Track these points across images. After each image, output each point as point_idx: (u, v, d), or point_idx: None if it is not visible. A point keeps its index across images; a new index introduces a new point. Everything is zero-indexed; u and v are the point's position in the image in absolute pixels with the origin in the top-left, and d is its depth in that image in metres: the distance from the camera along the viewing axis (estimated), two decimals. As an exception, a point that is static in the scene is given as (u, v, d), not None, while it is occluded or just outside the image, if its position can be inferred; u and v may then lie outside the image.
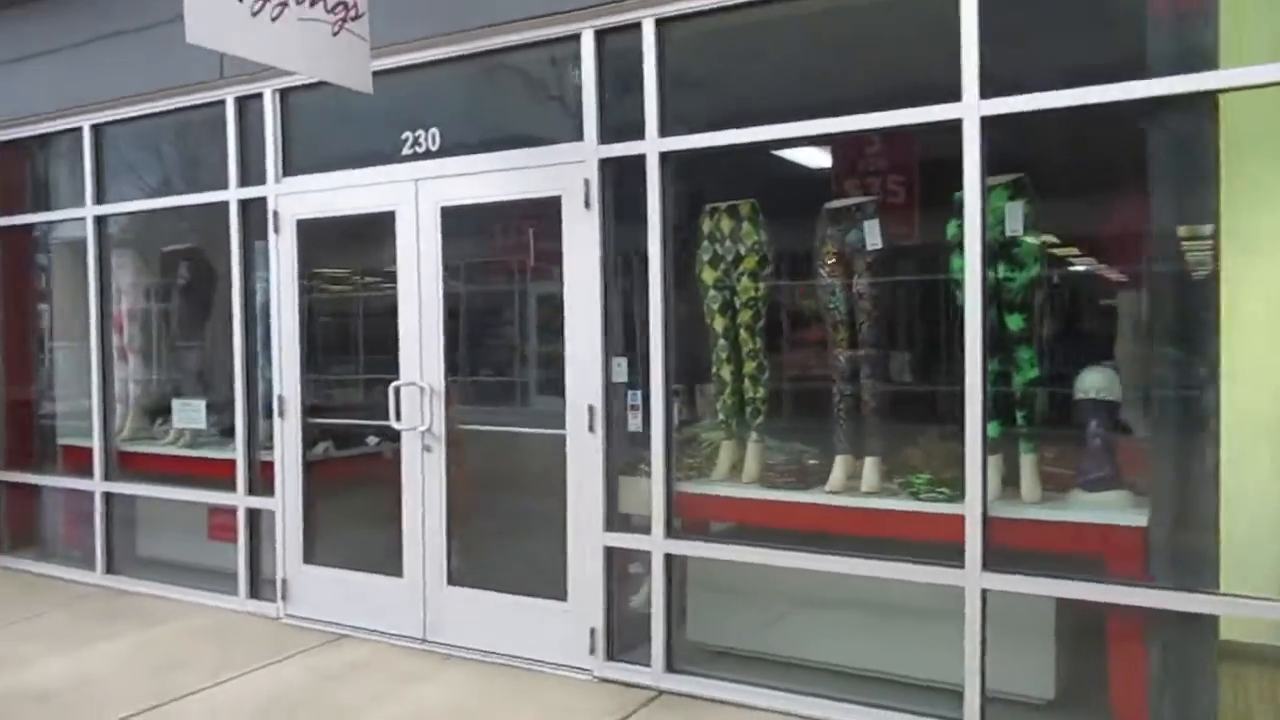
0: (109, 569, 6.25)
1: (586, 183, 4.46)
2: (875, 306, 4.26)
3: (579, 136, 4.50)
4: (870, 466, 4.16)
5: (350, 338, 6.03)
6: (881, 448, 4.22)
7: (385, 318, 5.46)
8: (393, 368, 5.08)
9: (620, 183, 4.49)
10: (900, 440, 4.31)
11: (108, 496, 6.28)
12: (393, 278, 5.07)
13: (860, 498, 4.12)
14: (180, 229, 6.55)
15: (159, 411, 6.64)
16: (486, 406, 5.29)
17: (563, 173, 4.54)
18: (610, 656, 4.49)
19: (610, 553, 4.49)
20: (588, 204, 4.46)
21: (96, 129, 6.15)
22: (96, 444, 6.27)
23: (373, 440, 5.76)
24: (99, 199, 6.22)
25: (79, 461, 6.54)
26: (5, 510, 6.90)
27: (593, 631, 4.48)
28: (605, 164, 4.45)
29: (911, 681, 3.95)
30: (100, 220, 6.23)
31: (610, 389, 4.50)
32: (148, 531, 6.40)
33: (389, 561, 5.07)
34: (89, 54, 5.98)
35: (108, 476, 6.28)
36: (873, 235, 4.23)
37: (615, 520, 4.51)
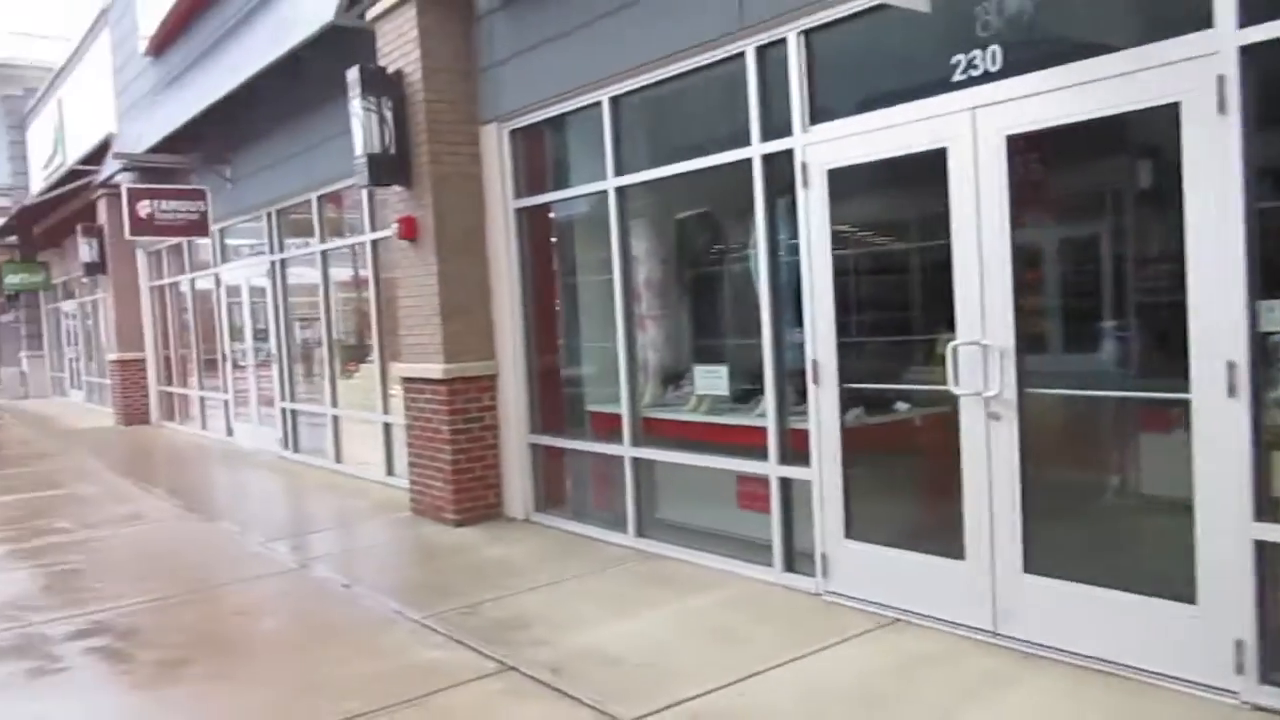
0: (639, 532, 6.40)
1: (1220, 80, 3.51)
2: None
3: (1203, 24, 3.56)
4: None
5: (882, 294, 5.53)
6: None
7: (924, 270, 4.90)
8: (934, 325, 4.50)
9: (1263, 79, 3.49)
10: None
11: (636, 462, 6.43)
12: (935, 225, 4.47)
13: None
14: (691, 194, 6.52)
15: (672, 378, 6.71)
16: (1063, 367, 4.50)
17: (1180, 73, 3.63)
18: (1265, 679, 3.56)
19: (1261, 548, 3.56)
20: (1222, 107, 3.51)
21: (615, 101, 6.24)
22: (625, 411, 6.42)
23: (902, 406, 5.27)
24: (618, 170, 6.31)
25: (605, 427, 6.80)
26: (541, 471, 7.39)
27: (1239, 645, 3.58)
28: (1247, 53, 3.48)
29: None
30: (621, 191, 6.32)
31: (1256, 341, 3.54)
32: (668, 496, 6.48)
33: (945, 541, 4.52)
34: (603, 28, 6.07)
35: (635, 442, 6.43)
36: None
37: (1266, 508, 3.56)
